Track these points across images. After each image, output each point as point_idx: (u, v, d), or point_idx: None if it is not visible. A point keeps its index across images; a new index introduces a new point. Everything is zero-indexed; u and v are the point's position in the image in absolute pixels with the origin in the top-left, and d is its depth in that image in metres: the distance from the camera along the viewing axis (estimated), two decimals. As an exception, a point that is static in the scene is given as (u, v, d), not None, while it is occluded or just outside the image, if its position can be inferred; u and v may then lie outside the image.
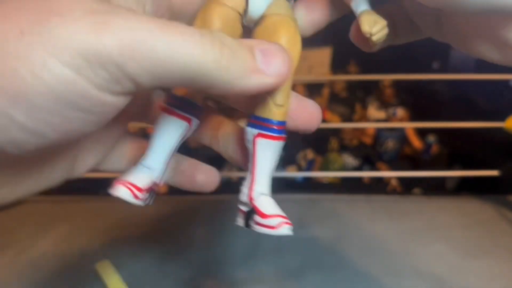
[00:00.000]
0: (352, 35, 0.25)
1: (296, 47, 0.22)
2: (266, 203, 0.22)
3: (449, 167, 0.74)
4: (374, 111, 0.90)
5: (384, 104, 0.90)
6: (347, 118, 0.89)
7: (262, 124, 0.22)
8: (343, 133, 0.85)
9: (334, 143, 0.83)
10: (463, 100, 0.75)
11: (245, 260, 0.46)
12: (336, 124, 0.83)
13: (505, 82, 0.65)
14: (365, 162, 0.79)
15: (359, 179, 0.70)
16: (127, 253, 0.48)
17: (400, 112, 0.84)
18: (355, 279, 0.43)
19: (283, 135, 0.22)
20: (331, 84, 1.05)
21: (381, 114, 0.88)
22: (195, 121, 0.23)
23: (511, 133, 0.52)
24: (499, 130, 0.52)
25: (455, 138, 0.73)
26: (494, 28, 0.19)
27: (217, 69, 0.16)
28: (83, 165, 0.24)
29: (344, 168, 0.74)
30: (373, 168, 0.77)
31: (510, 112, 0.53)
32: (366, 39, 0.22)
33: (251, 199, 0.22)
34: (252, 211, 0.22)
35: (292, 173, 0.68)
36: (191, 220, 0.54)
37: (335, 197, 0.58)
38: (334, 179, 0.69)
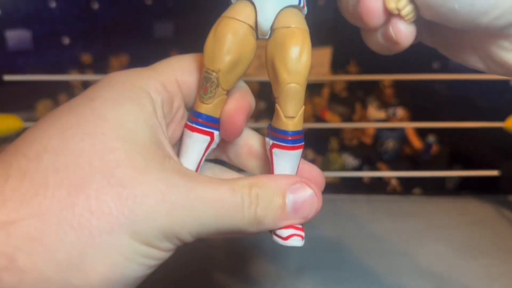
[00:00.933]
0: (365, 12, 0.22)
1: (304, 58, 0.22)
2: None
3: (449, 167, 0.74)
4: (374, 111, 0.90)
5: (384, 104, 0.90)
6: (347, 118, 0.89)
7: (277, 135, 0.23)
8: (343, 133, 0.85)
9: (334, 143, 0.83)
10: (463, 100, 0.75)
11: (245, 260, 0.46)
12: (336, 124, 0.83)
13: (505, 82, 0.65)
14: (365, 162, 0.79)
15: (359, 179, 0.70)
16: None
17: (400, 112, 0.84)
18: (355, 279, 0.43)
19: (299, 144, 0.23)
20: (331, 84, 1.05)
21: (381, 114, 0.88)
22: (217, 134, 0.24)
23: (511, 133, 0.52)
24: (499, 130, 0.52)
25: (455, 138, 0.73)
26: (479, 42, 0.21)
27: (250, 226, 0.20)
28: None
29: (344, 168, 0.74)
30: (373, 168, 0.77)
31: (510, 112, 0.53)
32: (381, 17, 0.21)
33: None
34: None
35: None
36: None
37: (335, 197, 0.58)
38: (334, 179, 0.69)
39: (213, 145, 0.24)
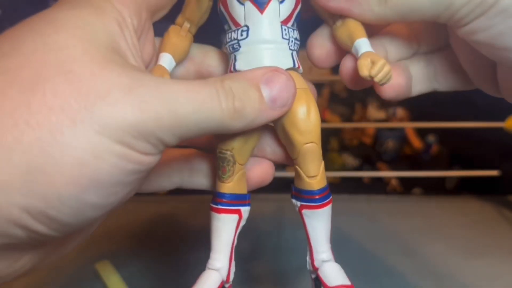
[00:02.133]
0: (346, 78, 0.24)
1: (312, 116, 0.22)
2: (329, 271, 0.23)
3: (449, 167, 0.74)
4: (374, 111, 0.90)
5: (384, 104, 0.90)
6: (347, 118, 0.89)
7: (303, 196, 0.23)
8: (343, 133, 0.85)
9: (334, 143, 0.83)
10: (463, 100, 0.75)
11: (245, 260, 0.46)
12: (336, 124, 0.83)
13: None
14: (365, 162, 0.79)
15: (359, 179, 0.70)
16: (127, 253, 0.48)
17: (400, 112, 0.84)
18: (355, 279, 0.43)
19: (327, 200, 0.23)
20: (331, 84, 1.05)
21: (381, 114, 0.88)
22: (244, 209, 0.24)
23: (511, 133, 0.52)
24: (499, 130, 0.52)
25: (455, 138, 0.73)
26: None
27: (232, 120, 0.19)
28: (169, 182, 0.27)
29: (344, 168, 0.74)
30: (373, 168, 0.77)
31: (510, 112, 0.53)
32: (362, 80, 0.22)
33: (314, 268, 0.23)
34: (318, 280, 0.23)
35: (292, 173, 0.68)
36: (191, 220, 0.54)
37: (335, 197, 0.58)
38: (334, 179, 0.69)
39: (243, 222, 0.24)
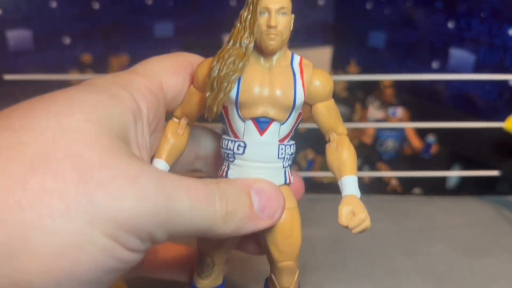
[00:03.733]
0: None
1: (294, 237, 0.23)
2: None
3: (449, 167, 0.74)
4: (374, 111, 0.90)
5: (384, 104, 0.90)
6: (347, 118, 0.89)
7: None
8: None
9: (334, 143, 0.83)
10: (463, 100, 0.75)
11: (245, 260, 0.46)
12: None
13: (505, 82, 0.65)
14: (365, 162, 0.79)
15: (359, 179, 0.70)
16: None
17: (400, 112, 0.84)
18: (355, 279, 0.43)
19: None
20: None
21: (381, 114, 0.88)
22: None
23: (511, 133, 0.52)
24: (499, 130, 0.52)
25: (455, 138, 0.73)
26: None
27: (223, 223, 0.19)
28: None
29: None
30: (373, 168, 0.77)
31: (510, 112, 0.53)
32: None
33: None
34: None
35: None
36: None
37: (335, 197, 0.58)
38: (334, 179, 0.69)
39: None
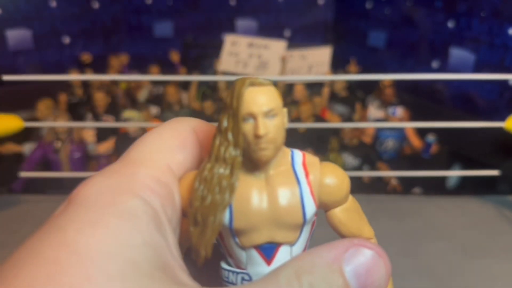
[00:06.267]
0: None
1: None
2: None
3: (449, 166, 0.74)
4: (374, 111, 0.90)
5: (384, 104, 0.90)
6: (347, 118, 0.89)
7: None
8: (343, 132, 0.85)
9: (334, 142, 0.83)
10: (463, 100, 0.75)
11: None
12: (336, 124, 0.83)
13: (505, 82, 0.65)
14: (365, 161, 0.79)
15: (359, 179, 0.70)
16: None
17: (400, 111, 0.84)
18: (355, 279, 0.43)
19: None
20: (331, 83, 1.05)
21: (381, 114, 0.88)
22: None
23: (511, 133, 0.52)
24: (499, 130, 0.52)
25: (455, 138, 0.73)
26: None
27: None
28: None
29: (344, 167, 0.74)
30: (373, 167, 0.77)
31: (510, 112, 0.53)
32: None
33: None
34: None
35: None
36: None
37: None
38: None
39: None
